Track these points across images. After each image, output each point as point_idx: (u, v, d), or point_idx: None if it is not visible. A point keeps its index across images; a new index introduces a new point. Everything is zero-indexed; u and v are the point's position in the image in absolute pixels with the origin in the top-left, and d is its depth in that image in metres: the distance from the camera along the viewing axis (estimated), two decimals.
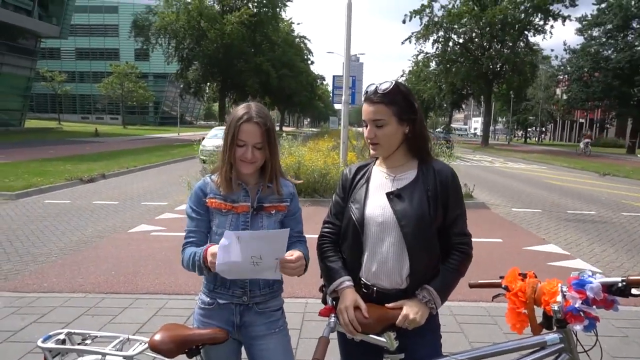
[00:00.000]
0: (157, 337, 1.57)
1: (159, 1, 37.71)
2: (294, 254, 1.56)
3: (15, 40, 35.39)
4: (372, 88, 1.62)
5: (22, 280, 4.74)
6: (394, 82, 1.62)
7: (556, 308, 1.48)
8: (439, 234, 1.61)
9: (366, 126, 1.65)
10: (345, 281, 1.61)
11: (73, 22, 43.76)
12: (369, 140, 1.66)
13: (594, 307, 1.46)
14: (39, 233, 6.67)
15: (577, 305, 1.45)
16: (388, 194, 1.63)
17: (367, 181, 1.72)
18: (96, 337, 1.73)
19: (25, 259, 5.48)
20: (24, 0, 34.24)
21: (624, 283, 1.43)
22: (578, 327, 1.46)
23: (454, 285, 1.64)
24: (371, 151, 1.68)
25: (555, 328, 1.55)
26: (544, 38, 58.48)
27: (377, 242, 1.62)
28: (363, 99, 1.67)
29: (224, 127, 1.77)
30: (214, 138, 16.52)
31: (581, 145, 33.34)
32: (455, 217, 1.63)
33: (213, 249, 1.55)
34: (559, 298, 1.49)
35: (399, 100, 1.60)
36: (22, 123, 39.58)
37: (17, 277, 4.86)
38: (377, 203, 1.64)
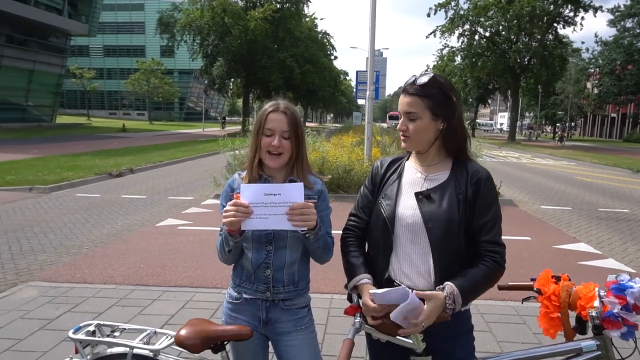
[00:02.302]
0: (183, 332, 1.60)
1: None
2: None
3: (46, 39, 36.54)
4: (412, 79, 1.57)
5: (56, 271, 4.91)
6: (432, 75, 1.55)
7: (594, 314, 1.42)
8: (468, 240, 1.54)
9: (401, 118, 1.61)
10: (364, 278, 1.58)
11: (101, 20, 44.86)
12: (400, 132, 1.61)
13: (634, 312, 1.39)
14: (71, 225, 6.89)
15: (615, 311, 1.38)
16: (417, 194, 1.58)
17: (400, 177, 1.67)
18: (124, 329, 1.78)
19: (59, 250, 5.67)
20: None
21: None
22: (615, 334, 1.40)
23: (479, 293, 1.52)
24: (402, 144, 1.63)
25: (591, 334, 1.49)
26: (574, 30, 56.21)
27: (405, 242, 1.58)
28: (401, 89, 1.63)
29: None
30: None
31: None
32: (484, 224, 1.53)
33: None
34: (597, 303, 1.42)
35: (436, 94, 1.53)
36: (54, 119, 40.84)
37: (52, 267, 5.03)
38: (408, 202, 1.60)
